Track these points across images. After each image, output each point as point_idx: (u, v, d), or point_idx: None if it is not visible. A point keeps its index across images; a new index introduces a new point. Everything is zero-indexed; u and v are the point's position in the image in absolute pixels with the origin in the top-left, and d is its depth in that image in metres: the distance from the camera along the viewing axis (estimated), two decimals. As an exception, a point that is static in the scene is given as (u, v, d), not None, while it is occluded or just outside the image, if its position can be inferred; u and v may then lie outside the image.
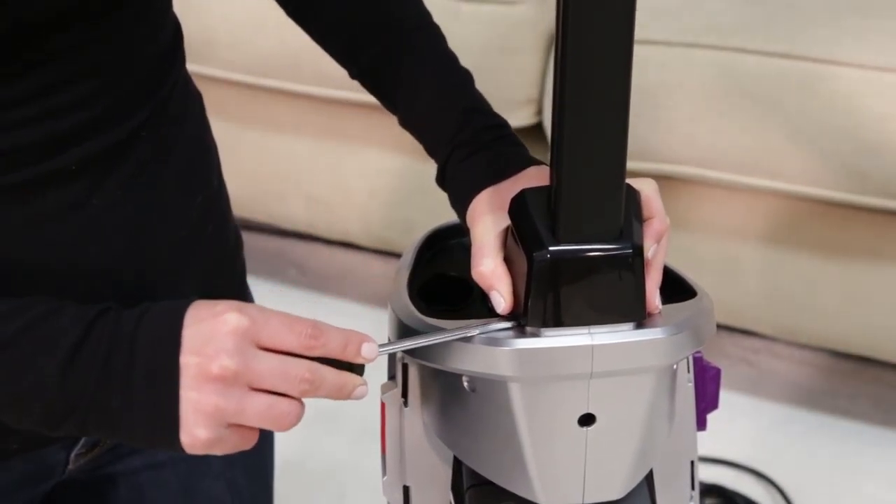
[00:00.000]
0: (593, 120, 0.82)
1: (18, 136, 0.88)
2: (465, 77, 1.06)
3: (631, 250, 0.85)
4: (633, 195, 0.90)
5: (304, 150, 2.30)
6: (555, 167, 0.85)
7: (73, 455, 1.06)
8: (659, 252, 0.90)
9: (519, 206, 0.89)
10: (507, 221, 0.90)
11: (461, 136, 1.01)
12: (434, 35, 1.08)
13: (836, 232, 2.02)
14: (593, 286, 0.86)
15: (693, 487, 1.02)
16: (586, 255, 0.85)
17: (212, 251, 1.06)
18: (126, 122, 0.94)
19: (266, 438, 1.21)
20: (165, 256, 0.99)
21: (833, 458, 2.03)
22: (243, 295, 1.16)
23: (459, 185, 0.99)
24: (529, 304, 0.86)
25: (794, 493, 1.97)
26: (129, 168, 0.95)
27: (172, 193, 0.99)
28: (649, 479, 0.97)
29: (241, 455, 1.14)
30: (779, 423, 2.10)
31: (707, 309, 0.92)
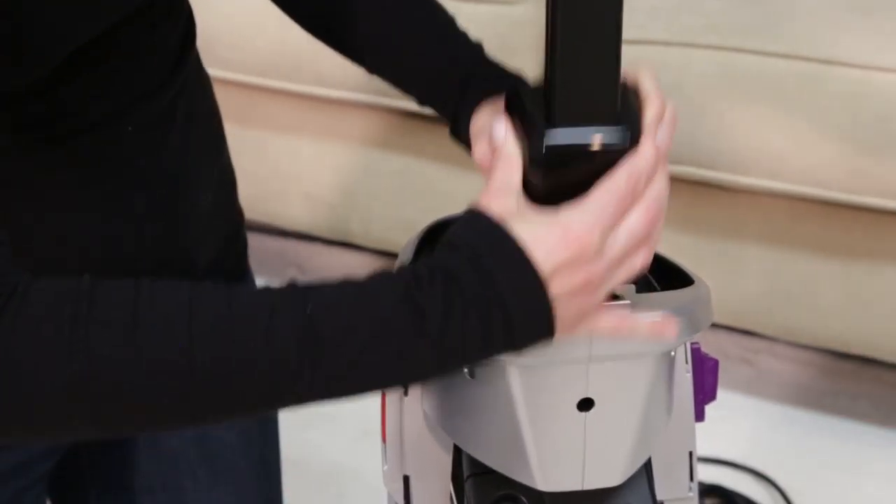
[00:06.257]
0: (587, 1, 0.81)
1: (90, 108, 0.95)
2: (475, 43, 1.08)
3: (628, 134, 0.84)
4: (627, 79, 0.88)
5: (304, 150, 2.31)
6: (548, 53, 0.83)
7: None
8: (665, 132, 0.88)
9: (513, 100, 0.88)
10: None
11: (470, 84, 1.02)
12: (442, 9, 1.10)
13: (836, 232, 2.02)
14: (592, 173, 0.84)
15: (692, 478, 1.03)
16: (583, 140, 0.83)
17: (224, 219, 1.14)
18: (168, 90, 1.01)
19: None
20: (190, 219, 1.05)
21: (833, 458, 2.03)
22: (245, 267, 1.22)
23: (467, 122, 1.00)
24: (529, 194, 0.85)
25: (794, 493, 1.96)
26: (169, 132, 1.02)
27: (197, 158, 1.06)
28: (648, 468, 0.97)
29: None
30: (779, 423, 2.10)
31: (704, 297, 0.92)
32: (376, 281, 0.82)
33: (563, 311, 0.82)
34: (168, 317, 0.78)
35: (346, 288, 0.82)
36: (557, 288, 0.82)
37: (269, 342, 0.79)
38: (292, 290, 0.81)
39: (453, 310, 0.80)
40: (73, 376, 0.77)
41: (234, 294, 0.81)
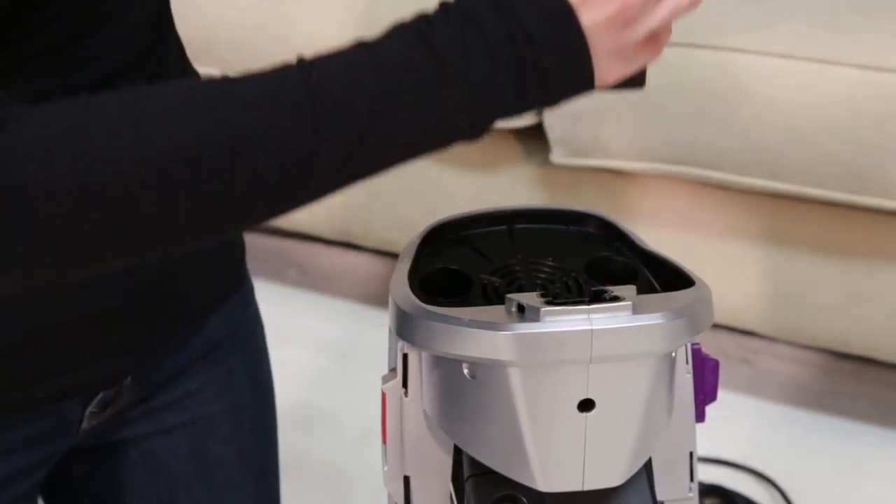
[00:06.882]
0: None
1: (48, 83, 0.89)
2: None
3: None
4: None
5: (305, 150, 2.31)
6: None
7: (87, 412, 1.07)
8: None
9: None
10: None
11: None
12: None
13: (836, 232, 2.02)
14: None
15: (692, 479, 1.03)
16: None
17: None
18: (138, 73, 0.97)
19: (268, 399, 1.23)
20: None
21: (833, 458, 2.03)
22: (244, 273, 1.18)
23: None
24: None
25: (794, 493, 1.97)
26: None
27: None
28: (648, 469, 0.97)
29: (249, 419, 1.16)
30: (779, 423, 2.11)
31: (705, 298, 0.92)
32: (386, 33, 0.77)
33: (598, 46, 0.77)
34: (171, 105, 0.74)
35: (353, 48, 0.76)
36: (589, 18, 0.77)
37: (277, 115, 0.74)
38: (297, 62, 0.77)
39: (474, 50, 0.75)
40: (81, 181, 0.72)
41: (238, 77, 0.77)
